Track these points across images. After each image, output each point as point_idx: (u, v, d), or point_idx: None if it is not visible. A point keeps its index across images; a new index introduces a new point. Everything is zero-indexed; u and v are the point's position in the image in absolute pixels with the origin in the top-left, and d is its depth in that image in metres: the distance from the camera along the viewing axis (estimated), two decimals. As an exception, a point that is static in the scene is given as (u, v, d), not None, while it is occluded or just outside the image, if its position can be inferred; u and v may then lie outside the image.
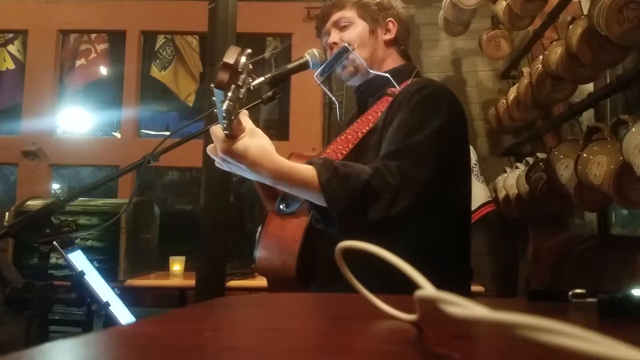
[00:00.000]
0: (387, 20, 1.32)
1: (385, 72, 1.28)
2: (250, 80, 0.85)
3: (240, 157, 0.92)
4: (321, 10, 1.37)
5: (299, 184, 0.99)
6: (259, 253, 1.27)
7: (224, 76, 0.76)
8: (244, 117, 0.93)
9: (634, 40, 1.36)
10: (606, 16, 1.32)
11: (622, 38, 1.35)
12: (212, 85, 0.77)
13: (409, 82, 1.26)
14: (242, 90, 0.82)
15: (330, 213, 1.00)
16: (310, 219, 1.18)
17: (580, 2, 1.67)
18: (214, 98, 0.80)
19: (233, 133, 0.91)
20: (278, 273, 1.25)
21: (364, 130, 1.22)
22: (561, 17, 1.87)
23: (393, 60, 1.32)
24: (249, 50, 0.81)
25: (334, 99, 1.45)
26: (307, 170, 0.99)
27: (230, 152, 0.91)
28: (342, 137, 1.23)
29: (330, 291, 1.19)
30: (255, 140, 0.93)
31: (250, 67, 0.83)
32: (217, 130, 0.91)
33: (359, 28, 1.30)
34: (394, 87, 1.24)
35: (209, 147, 0.96)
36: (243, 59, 0.79)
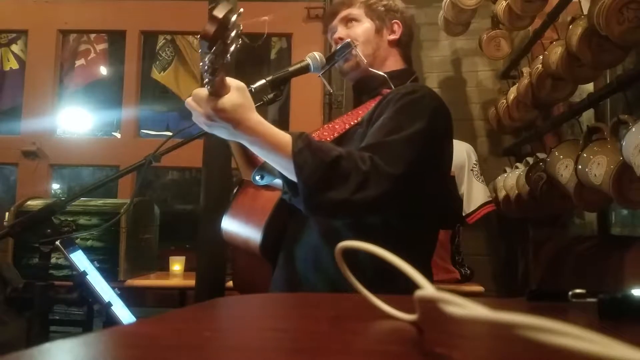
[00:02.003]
0: (392, 21, 1.35)
1: (385, 72, 1.30)
2: (240, 42, 0.86)
3: (226, 114, 0.92)
4: (330, 7, 1.41)
5: (272, 147, 0.99)
6: (227, 219, 1.28)
7: (210, 28, 0.76)
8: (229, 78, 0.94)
9: (634, 40, 1.36)
10: (606, 16, 1.32)
11: (622, 38, 1.35)
12: (198, 36, 0.78)
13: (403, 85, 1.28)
14: (230, 49, 0.82)
15: (297, 183, 1.00)
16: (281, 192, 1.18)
17: (580, 2, 1.67)
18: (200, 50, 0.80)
19: (218, 92, 0.91)
20: (243, 241, 1.25)
21: (351, 123, 1.23)
22: (561, 17, 1.87)
23: (394, 61, 1.35)
24: (242, 10, 0.82)
25: (330, 89, 1.47)
26: (283, 136, 1.00)
27: (217, 109, 0.91)
28: (330, 125, 1.25)
29: (287, 266, 1.21)
30: (240, 98, 0.94)
31: (241, 28, 0.83)
32: (201, 90, 0.92)
33: (365, 25, 1.33)
34: (390, 88, 1.26)
35: (187, 100, 0.95)
36: (234, 17, 0.79)
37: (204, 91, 0.91)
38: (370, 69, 1.30)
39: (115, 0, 3.00)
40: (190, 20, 2.86)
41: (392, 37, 1.35)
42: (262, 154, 1.03)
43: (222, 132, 0.97)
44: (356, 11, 1.34)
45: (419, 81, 1.38)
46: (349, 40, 1.31)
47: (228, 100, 0.92)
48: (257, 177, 1.16)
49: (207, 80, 0.86)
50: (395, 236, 1.13)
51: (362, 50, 1.30)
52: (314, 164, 0.98)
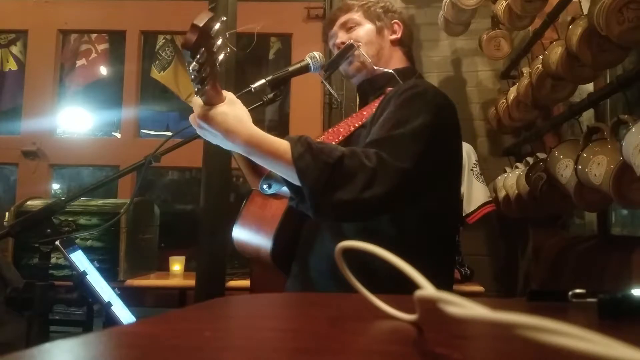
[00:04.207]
0: (392, 21, 1.37)
1: (387, 71, 1.31)
2: (227, 50, 0.86)
3: (215, 123, 0.93)
4: (328, 15, 1.42)
5: (272, 155, 0.98)
6: (237, 229, 1.29)
7: (191, 37, 0.77)
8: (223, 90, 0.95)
9: (634, 40, 1.36)
10: (606, 16, 1.32)
11: (622, 38, 1.35)
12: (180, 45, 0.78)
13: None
14: (218, 57, 0.83)
15: (302, 188, 0.99)
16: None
17: (580, 2, 1.67)
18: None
19: (212, 101, 0.92)
20: (254, 250, 1.26)
21: (356, 125, 1.23)
22: (561, 17, 1.87)
23: (398, 60, 1.36)
24: (224, 18, 0.82)
25: (335, 95, 1.48)
26: (281, 143, 0.99)
27: (207, 118, 0.92)
28: (335, 129, 1.26)
29: (302, 275, 1.21)
30: (232, 108, 0.94)
31: (227, 35, 0.84)
32: (198, 100, 0.92)
33: (366, 27, 1.34)
34: (392, 86, 1.26)
35: (190, 116, 0.96)
36: (217, 25, 0.80)
37: (198, 100, 0.92)
38: (375, 68, 1.31)
39: (115, 0, 3.00)
40: (190, 20, 2.86)
41: (394, 36, 1.36)
42: (262, 163, 1.03)
43: (213, 139, 0.98)
44: (355, 15, 1.35)
45: (422, 79, 1.38)
46: (351, 41, 1.31)
47: (217, 109, 0.93)
48: (265, 186, 1.16)
49: (196, 89, 0.87)
50: (412, 242, 1.13)
51: (366, 51, 1.31)
52: (316, 167, 0.97)
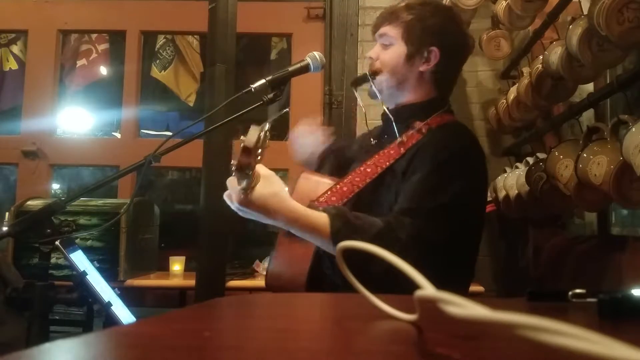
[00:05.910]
0: (430, 47, 1.26)
1: (413, 103, 1.29)
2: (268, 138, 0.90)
3: (256, 207, 0.97)
4: (377, 18, 1.36)
5: (311, 230, 1.04)
6: (270, 272, 1.35)
7: (245, 160, 0.81)
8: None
9: (634, 40, 1.36)
10: (606, 16, 1.32)
11: (622, 38, 1.34)
12: (233, 163, 0.82)
13: (436, 118, 1.26)
14: (259, 158, 0.86)
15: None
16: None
17: (580, 2, 1.67)
18: (233, 168, 0.84)
19: (249, 184, 0.95)
20: (288, 282, 1.31)
21: (383, 166, 1.24)
22: (561, 17, 1.87)
23: (425, 91, 1.29)
24: (267, 125, 0.85)
25: (364, 110, 1.46)
26: (319, 217, 1.04)
27: (247, 204, 0.96)
28: (362, 169, 1.26)
29: None
30: (268, 187, 0.98)
31: (268, 135, 0.86)
32: (234, 182, 0.94)
33: (396, 52, 1.28)
34: (420, 119, 1.26)
35: (225, 194, 0.99)
36: (262, 134, 0.83)
37: (236, 183, 0.94)
38: (397, 97, 1.31)
39: (115, 0, 2.99)
40: (190, 20, 2.86)
41: (424, 67, 1.26)
42: (300, 235, 1.08)
43: (257, 218, 1.01)
44: (393, 31, 1.28)
45: (449, 108, 1.32)
46: (366, 73, 1.32)
47: (255, 193, 0.96)
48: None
49: (244, 193, 0.93)
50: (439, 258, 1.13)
51: (389, 79, 1.28)
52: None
